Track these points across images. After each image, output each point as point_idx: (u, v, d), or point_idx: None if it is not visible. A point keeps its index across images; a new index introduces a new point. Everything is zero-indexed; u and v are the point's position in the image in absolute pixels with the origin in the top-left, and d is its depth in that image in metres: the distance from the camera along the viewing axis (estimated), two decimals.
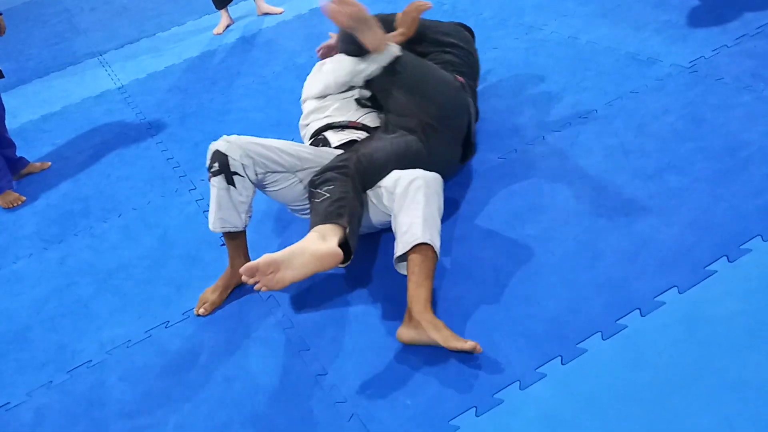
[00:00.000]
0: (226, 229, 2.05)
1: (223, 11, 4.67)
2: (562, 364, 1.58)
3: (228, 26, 4.68)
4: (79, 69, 4.76)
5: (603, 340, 1.61)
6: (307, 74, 3.54)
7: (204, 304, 2.09)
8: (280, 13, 4.65)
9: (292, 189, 2.07)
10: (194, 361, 1.92)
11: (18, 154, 3.31)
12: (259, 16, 4.74)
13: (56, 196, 3.06)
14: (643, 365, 1.53)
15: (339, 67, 2.34)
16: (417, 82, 2.18)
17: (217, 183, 1.99)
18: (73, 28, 5.95)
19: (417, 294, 1.73)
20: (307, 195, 2.05)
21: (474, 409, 1.54)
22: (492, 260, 1.95)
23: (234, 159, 1.96)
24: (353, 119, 2.34)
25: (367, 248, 2.14)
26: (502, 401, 1.54)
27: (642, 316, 1.64)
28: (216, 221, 2.03)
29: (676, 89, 2.48)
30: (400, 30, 2.48)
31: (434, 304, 1.80)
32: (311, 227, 1.84)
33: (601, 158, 2.23)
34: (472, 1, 3.91)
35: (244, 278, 1.65)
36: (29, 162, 3.35)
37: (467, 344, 1.61)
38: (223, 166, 1.97)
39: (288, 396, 1.72)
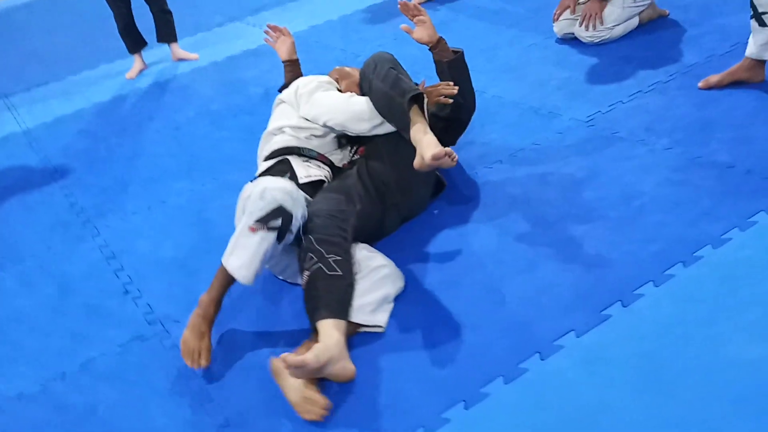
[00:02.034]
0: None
1: (136, 55, 4.62)
2: (466, 408, 1.60)
3: (141, 71, 4.62)
4: None
5: (505, 384, 1.64)
6: (222, 120, 3.54)
7: (198, 355, 1.86)
8: (196, 59, 4.63)
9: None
10: (92, 415, 1.83)
11: None
12: (174, 61, 4.70)
13: None
14: (544, 408, 1.56)
15: (365, 111, 2.22)
16: (407, 168, 2.11)
17: (266, 237, 1.85)
18: None
19: None
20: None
21: None
22: (398, 305, 1.97)
23: (296, 219, 1.88)
24: (322, 152, 2.31)
25: (267, 296, 2.12)
26: None
27: (542, 359, 1.68)
28: (251, 274, 1.85)
29: (575, 142, 2.61)
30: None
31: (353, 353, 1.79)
32: (324, 302, 1.79)
33: (506, 206, 2.30)
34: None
35: (288, 366, 1.60)
36: None
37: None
38: (285, 224, 1.86)
39: None
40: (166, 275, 2.35)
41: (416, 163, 2.00)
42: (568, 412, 1.53)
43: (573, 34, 3.53)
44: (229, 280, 1.92)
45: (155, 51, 4.88)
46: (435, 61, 2.42)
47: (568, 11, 3.54)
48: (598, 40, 3.41)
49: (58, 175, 3.32)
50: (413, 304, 1.97)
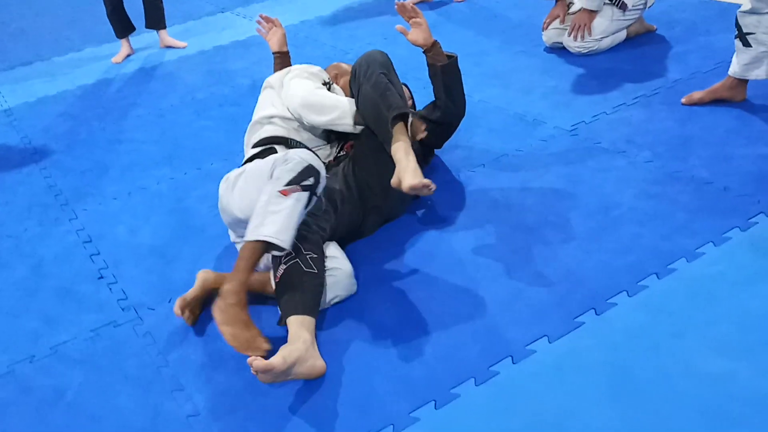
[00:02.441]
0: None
1: (124, 40, 4.58)
2: (436, 408, 1.61)
3: (128, 56, 4.58)
4: None
5: (476, 385, 1.65)
6: (206, 110, 3.53)
7: (256, 343, 1.75)
8: (183, 47, 4.61)
9: None
10: (59, 399, 1.81)
11: None
12: (161, 48, 4.67)
13: None
14: (513, 411, 1.57)
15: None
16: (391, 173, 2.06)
17: (300, 198, 1.83)
18: None
19: None
20: None
21: None
22: (374, 305, 1.97)
23: (323, 178, 1.90)
24: (310, 145, 2.30)
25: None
26: None
27: (514, 363, 1.70)
28: (290, 238, 1.80)
29: (557, 150, 2.63)
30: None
31: (326, 349, 1.80)
32: (297, 299, 1.79)
33: (486, 210, 2.32)
34: None
35: (254, 371, 1.59)
36: None
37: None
38: (315, 184, 1.86)
39: None
40: (143, 262, 2.34)
41: (393, 183, 1.99)
42: (536, 417, 1.55)
43: (561, 43, 3.56)
44: (258, 256, 1.83)
45: (143, 37, 4.85)
46: (428, 65, 2.42)
47: (557, 21, 3.57)
48: (585, 51, 3.45)
49: (38, 156, 3.29)
50: (388, 302, 1.97)
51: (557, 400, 1.58)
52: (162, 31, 4.63)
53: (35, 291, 2.27)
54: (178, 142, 3.21)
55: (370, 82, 2.14)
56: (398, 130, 2.07)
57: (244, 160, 2.27)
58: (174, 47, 4.64)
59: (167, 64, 4.36)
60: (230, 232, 2.22)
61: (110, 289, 2.22)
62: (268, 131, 2.28)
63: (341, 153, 2.37)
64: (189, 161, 3.00)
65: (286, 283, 1.84)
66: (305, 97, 2.22)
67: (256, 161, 2.06)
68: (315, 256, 1.88)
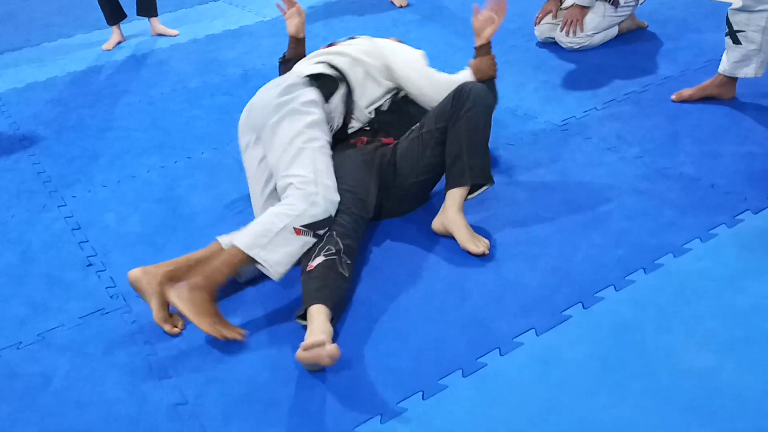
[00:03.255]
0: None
1: (114, 27, 4.54)
2: (423, 399, 1.62)
3: (119, 43, 4.55)
4: None
5: (463, 377, 1.66)
6: (198, 99, 3.51)
7: (227, 330, 1.81)
8: (175, 36, 4.58)
9: None
10: (46, 386, 1.81)
11: None
12: (152, 36, 4.64)
13: None
14: (499, 403, 1.59)
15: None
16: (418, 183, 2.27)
17: (309, 241, 1.92)
18: None
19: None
20: None
21: None
22: (364, 295, 1.98)
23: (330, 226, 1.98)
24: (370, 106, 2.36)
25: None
26: None
27: (501, 355, 1.71)
28: (284, 271, 1.91)
29: (548, 145, 2.64)
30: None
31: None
32: (327, 291, 1.81)
33: (475, 203, 2.32)
34: None
35: (331, 356, 1.62)
36: None
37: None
38: (325, 234, 1.95)
39: (143, 426, 1.65)
40: (132, 250, 2.33)
41: (436, 226, 2.17)
42: (523, 408, 1.56)
43: (553, 38, 3.57)
44: (240, 267, 1.91)
45: (134, 24, 4.82)
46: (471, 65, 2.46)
47: (549, 16, 3.58)
48: (577, 47, 3.46)
49: (27, 142, 3.26)
50: (376, 294, 1.98)
51: (544, 392, 1.60)
52: (153, 19, 4.60)
53: (22, 277, 2.26)
54: (169, 131, 3.20)
55: (469, 124, 2.14)
56: (465, 189, 2.15)
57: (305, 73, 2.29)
58: (165, 35, 4.61)
59: (158, 52, 4.34)
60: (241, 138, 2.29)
61: (99, 276, 2.22)
62: (338, 62, 2.32)
63: (376, 140, 2.34)
64: (179, 150, 2.99)
65: (321, 276, 1.85)
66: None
67: (308, 136, 2.08)
68: (349, 262, 1.91)
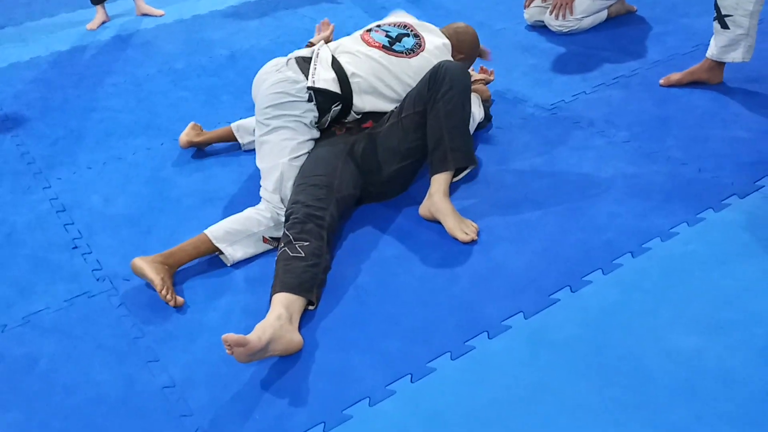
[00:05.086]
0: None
1: (99, 7, 4.47)
2: (412, 381, 1.62)
3: (103, 23, 4.48)
4: None
5: (452, 360, 1.67)
6: (184, 79, 3.47)
7: (167, 290, 1.94)
8: (161, 15, 4.52)
9: None
10: (32, 368, 1.80)
11: None
12: (137, 16, 4.57)
13: None
14: (487, 385, 1.59)
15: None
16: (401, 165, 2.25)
17: (267, 248, 2.10)
18: None
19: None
20: None
21: (323, 424, 1.54)
22: (353, 278, 1.98)
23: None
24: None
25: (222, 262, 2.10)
26: (351, 417, 1.55)
27: (489, 338, 1.71)
28: (238, 260, 2.08)
29: (537, 128, 2.64)
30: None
31: (303, 321, 1.79)
32: (279, 279, 1.83)
33: (465, 186, 2.32)
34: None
35: (227, 345, 1.60)
36: None
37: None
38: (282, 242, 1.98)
39: (131, 408, 1.65)
40: (118, 232, 2.31)
41: (422, 212, 2.17)
42: (511, 390, 1.57)
43: (542, 22, 3.55)
44: (207, 254, 2.08)
45: (119, 3, 4.75)
46: None
47: None
48: (566, 30, 3.45)
49: (10, 122, 3.22)
50: (366, 277, 1.98)
51: (532, 375, 1.61)
52: None
53: (7, 259, 2.23)
54: (155, 112, 3.16)
55: (447, 107, 2.13)
56: (450, 174, 2.16)
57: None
58: (151, 15, 4.55)
59: (144, 32, 4.28)
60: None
61: (84, 259, 2.20)
62: (356, 82, 2.28)
63: (356, 127, 2.34)
64: (166, 131, 2.95)
65: (275, 270, 1.88)
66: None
67: (298, 154, 2.21)
68: (306, 243, 1.91)
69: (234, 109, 3.06)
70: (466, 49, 2.52)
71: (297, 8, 4.37)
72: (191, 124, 2.73)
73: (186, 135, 2.69)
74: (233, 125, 2.68)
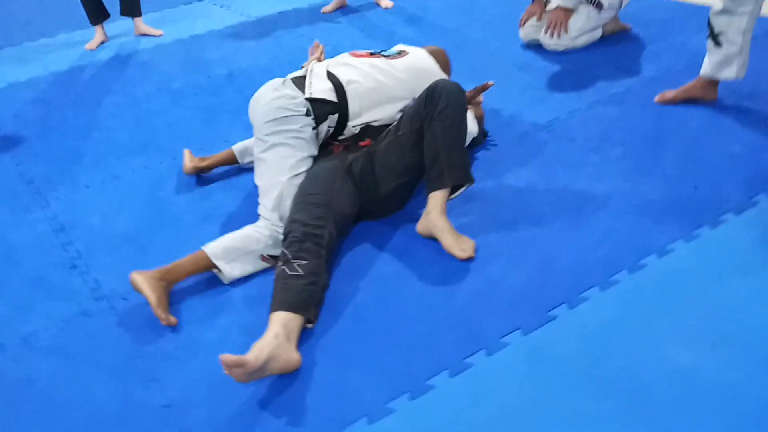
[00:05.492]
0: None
1: (98, 27, 4.51)
2: (411, 399, 1.62)
3: (102, 43, 4.51)
4: None
5: (451, 377, 1.67)
6: (182, 99, 3.49)
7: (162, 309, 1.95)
8: (159, 35, 4.55)
9: None
10: (30, 388, 1.79)
11: None
12: (136, 36, 4.61)
13: None
14: (487, 402, 1.59)
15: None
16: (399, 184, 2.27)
17: (265, 266, 2.10)
18: None
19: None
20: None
21: None
22: (352, 295, 1.98)
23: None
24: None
25: (220, 280, 2.11)
26: None
27: (488, 355, 1.72)
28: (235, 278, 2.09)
29: (533, 145, 2.66)
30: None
31: (301, 339, 1.80)
32: (278, 298, 1.83)
33: (461, 203, 2.33)
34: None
35: (225, 366, 1.60)
36: None
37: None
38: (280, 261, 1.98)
39: (130, 427, 1.64)
40: (116, 252, 2.31)
41: (420, 229, 2.18)
42: (510, 407, 1.57)
43: (538, 40, 3.59)
44: (205, 270, 2.08)
45: (118, 24, 4.77)
46: None
47: (534, 18, 3.60)
48: (561, 49, 3.48)
49: (9, 143, 3.23)
50: (364, 293, 1.98)
51: (530, 391, 1.61)
52: (137, 19, 4.57)
53: (6, 279, 2.24)
54: (154, 131, 3.18)
55: (444, 124, 2.15)
56: (446, 191, 2.17)
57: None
58: (149, 35, 4.58)
59: (142, 52, 4.31)
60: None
61: (83, 278, 2.20)
62: (353, 88, 2.33)
63: (354, 145, 2.36)
64: (164, 151, 2.97)
65: (273, 288, 1.88)
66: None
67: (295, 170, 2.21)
68: (304, 262, 1.91)
69: (233, 127, 3.07)
70: (441, 62, 2.60)
71: (295, 28, 4.41)
72: (187, 152, 2.72)
73: (190, 161, 2.68)
74: (235, 149, 2.68)
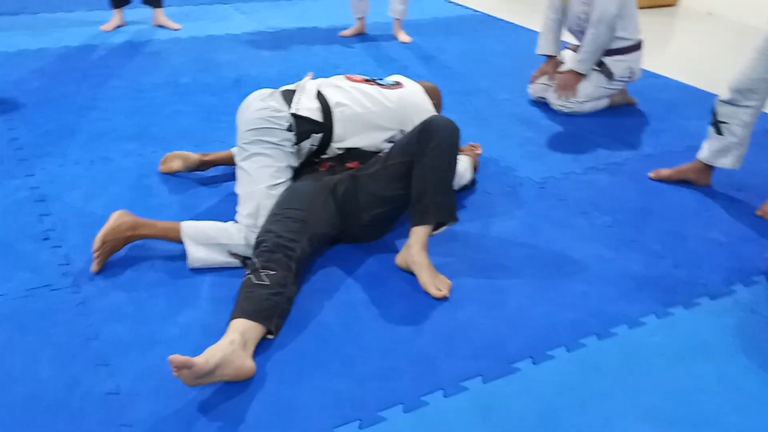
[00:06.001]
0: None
1: (117, 10, 4.53)
2: (359, 428, 1.59)
3: (118, 26, 4.53)
4: None
5: (404, 412, 1.64)
6: (187, 95, 3.49)
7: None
8: (177, 30, 4.57)
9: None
10: None
11: None
12: (154, 26, 4.63)
13: None
14: None
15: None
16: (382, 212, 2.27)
17: (233, 263, 2.12)
18: None
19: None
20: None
21: None
22: (317, 315, 1.96)
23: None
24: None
25: (185, 275, 2.08)
26: None
27: (445, 396, 1.70)
28: (197, 266, 2.12)
29: (523, 199, 2.67)
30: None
31: (259, 349, 1.77)
32: (240, 305, 1.81)
33: (443, 244, 2.33)
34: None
35: (173, 366, 1.57)
36: None
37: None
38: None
39: (70, 410, 1.60)
40: (92, 231, 2.27)
41: (399, 262, 2.18)
42: None
43: (545, 98, 3.63)
44: (172, 241, 2.13)
45: (138, 11, 4.80)
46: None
47: (545, 76, 3.65)
48: (567, 111, 3.52)
49: (5, 106, 3.21)
50: (331, 315, 1.96)
51: None
52: (157, 10, 4.60)
53: None
54: (152, 121, 3.18)
55: (434, 160, 2.15)
56: (429, 228, 2.16)
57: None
58: (167, 27, 4.60)
59: (156, 42, 4.32)
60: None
61: (53, 252, 2.17)
62: (340, 111, 2.34)
63: (340, 165, 2.36)
64: (158, 141, 2.96)
65: (237, 296, 1.87)
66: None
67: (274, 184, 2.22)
68: (272, 272, 1.89)
69: (231, 130, 3.06)
70: (434, 99, 2.65)
71: (310, 45, 4.45)
72: (175, 153, 2.71)
73: (189, 155, 2.66)
74: (235, 150, 2.66)
